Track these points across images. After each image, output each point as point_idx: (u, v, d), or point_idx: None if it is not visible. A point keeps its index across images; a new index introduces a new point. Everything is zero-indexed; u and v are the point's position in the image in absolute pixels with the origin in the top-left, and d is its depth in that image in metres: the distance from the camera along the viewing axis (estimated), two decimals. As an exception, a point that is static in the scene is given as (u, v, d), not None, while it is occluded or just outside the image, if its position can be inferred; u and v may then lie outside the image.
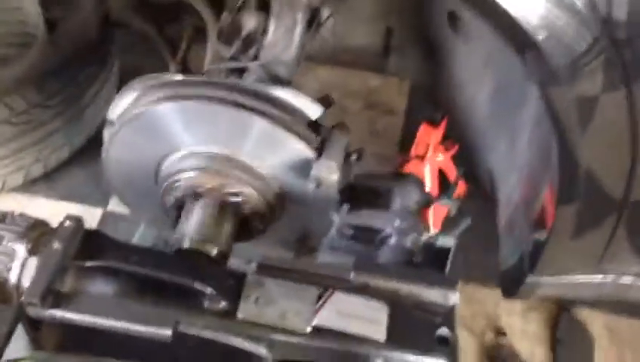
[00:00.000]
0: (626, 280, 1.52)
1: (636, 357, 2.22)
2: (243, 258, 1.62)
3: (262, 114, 1.47)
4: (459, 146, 1.88)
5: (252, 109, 1.47)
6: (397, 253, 1.55)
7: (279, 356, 1.27)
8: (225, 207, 1.57)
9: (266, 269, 1.43)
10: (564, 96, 1.28)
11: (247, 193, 1.57)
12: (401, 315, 1.34)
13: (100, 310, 1.23)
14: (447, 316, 1.40)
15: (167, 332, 1.21)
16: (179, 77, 1.51)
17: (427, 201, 1.71)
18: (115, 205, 2.57)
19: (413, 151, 2.43)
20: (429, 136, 2.38)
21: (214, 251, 1.51)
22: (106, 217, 2.48)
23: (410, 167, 2.54)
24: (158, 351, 1.27)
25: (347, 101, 3.24)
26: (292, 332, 1.29)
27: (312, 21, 1.63)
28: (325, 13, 1.73)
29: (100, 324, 1.23)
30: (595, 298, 1.63)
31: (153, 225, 2.09)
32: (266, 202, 1.60)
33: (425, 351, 1.30)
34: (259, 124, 1.48)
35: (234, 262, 1.56)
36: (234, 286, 1.30)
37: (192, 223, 1.53)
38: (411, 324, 1.34)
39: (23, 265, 1.26)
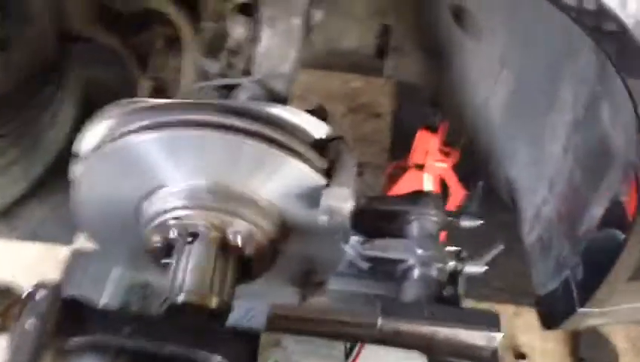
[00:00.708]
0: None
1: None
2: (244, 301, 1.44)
3: (261, 137, 1.27)
4: (469, 153, 1.73)
5: (249, 132, 1.27)
6: (423, 286, 1.38)
7: None
8: (223, 249, 1.37)
9: (279, 321, 1.25)
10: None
11: (248, 230, 1.37)
12: (440, 366, 1.18)
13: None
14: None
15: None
16: (160, 101, 1.31)
17: (449, 223, 1.55)
18: (82, 242, 2.36)
19: (410, 160, 2.29)
20: (427, 143, 2.25)
21: (214, 302, 1.31)
22: (73, 257, 2.29)
23: (408, 177, 2.40)
24: None
25: (328, 105, 3.08)
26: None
27: (306, 25, 1.44)
28: (317, 15, 1.55)
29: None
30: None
31: (130, 267, 1.89)
32: (269, 238, 1.41)
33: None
34: (258, 149, 1.28)
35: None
36: (247, 350, 1.11)
37: (187, 271, 1.33)
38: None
39: (-12, 346, 1.05)
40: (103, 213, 1.48)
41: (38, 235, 2.26)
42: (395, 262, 1.44)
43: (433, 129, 2.14)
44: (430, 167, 2.20)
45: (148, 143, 1.31)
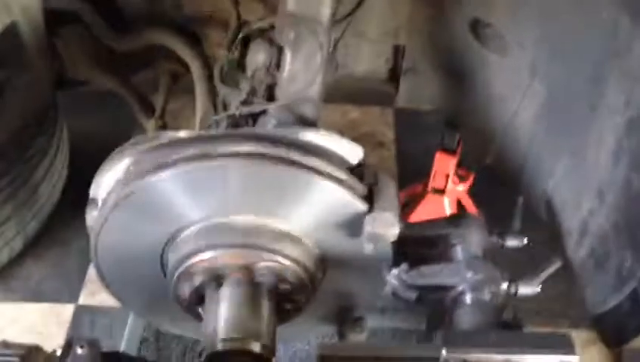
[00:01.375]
0: None
1: None
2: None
3: (296, 165, 1.20)
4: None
5: (283, 160, 1.19)
6: (479, 312, 1.29)
7: None
8: (258, 289, 1.27)
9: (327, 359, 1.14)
10: None
11: (283, 266, 1.28)
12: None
13: None
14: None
15: None
16: (179, 134, 1.22)
17: (493, 243, 1.46)
18: (87, 297, 2.23)
19: (431, 184, 2.22)
20: (447, 166, 2.18)
21: (257, 348, 1.20)
22: (79, 314, 2.15)
23: (427, 203, 2.33)
24: None
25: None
26: None
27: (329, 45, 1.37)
28: (333, 35, 1.49)
29: None
30: None
31: (142, 315, 1.77)
32: (306, 273, 1.31)
33: None
34: (294, 178, 1.20)
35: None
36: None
37: (222, 317, 1.23)
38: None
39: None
40: (125, 262, 1.38)
41: (38, 295, 2.12)
42: (445, 289, 1.35)
43: (451, 151, 2.07)
44: (451, 191, 2.13)
45: (165, 182, 1.22)
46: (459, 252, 1.44)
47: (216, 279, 1.28)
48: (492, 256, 1.46)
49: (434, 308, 2.13)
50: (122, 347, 1.88)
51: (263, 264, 1.27)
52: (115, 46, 1.76)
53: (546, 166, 1.56)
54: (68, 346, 0.94)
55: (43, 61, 1.70)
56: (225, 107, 1.39)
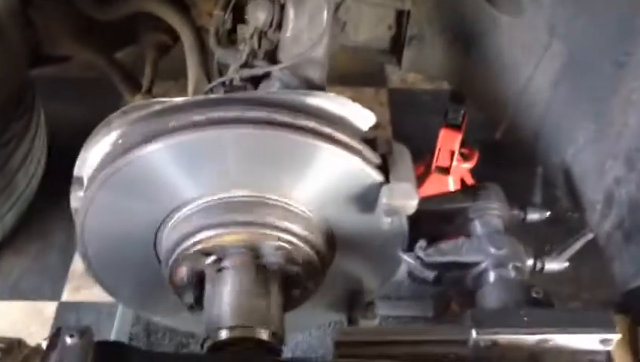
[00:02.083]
0: None
1: None
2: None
3: (305, 131, 1.09)
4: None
5: (290, 127, 1.09)
6: (505, 290, 1.20)
7: None
8: (266, 271, 1.17)
9: (351, 348, 1.04)
10: None
11: (292, 246, 1.17)
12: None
13: None
14: (609, 368, 1.06)
15: None
16: (177, 99, 1.11)
17: (514, 217, 1.37)
18: (71, 293, 2.11)
19: (435, 162, 2.13)
20: (452, 142, 2.09)
21: (266, 335, 1.10)
22: (62, 311, 2.04)
23: (431, 182, 2.23)
24: None
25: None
26: None
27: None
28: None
29: None
30: None
31: (134, 307, 1.65)
32: (316, 254, 1.21)
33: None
34: (303, 146, 1.10)
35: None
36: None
37: (226, 303, 1.12)
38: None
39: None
40: (114, 247, 1.26)
41: (18, 292, 2.00)
42: (465, 267, 1.26)
43: (456, 126, 1.98)
44: (456, 168, 2.04)
45: (157, 155, 1.10)
46: (478, 227, 1.34)
47: (219, 261, 1.17)
48: (513, 230, 1.38)
49: (440, 294, 2.05)
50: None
51: (270, 243, 1.16)
52: (97, 15, 1.63)
53: (565, 133, 1.47)
54: (55, 336, 0.83)
55: (17, 33, 1.56)
56: (220, 73, 1.28)
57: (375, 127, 1.22)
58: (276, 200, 1.17)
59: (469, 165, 2.09)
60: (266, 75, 1.23)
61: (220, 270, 1.17)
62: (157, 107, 1.12)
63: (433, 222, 1.37)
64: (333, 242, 1.25)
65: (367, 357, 1.00)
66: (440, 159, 2.04)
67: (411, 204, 1.14)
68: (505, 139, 1.68)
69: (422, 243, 1.24)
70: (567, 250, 1.27)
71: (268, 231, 1.16)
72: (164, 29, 1.66)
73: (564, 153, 1.50)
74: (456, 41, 1.66)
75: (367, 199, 1.17)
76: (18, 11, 1.55)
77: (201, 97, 1.11)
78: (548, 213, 1.40)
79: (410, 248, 1.30)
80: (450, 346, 1.06)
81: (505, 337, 1.04)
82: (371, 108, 1.21)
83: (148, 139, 1.10)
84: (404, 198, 1.13)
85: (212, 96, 1.13)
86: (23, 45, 1.62)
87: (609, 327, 1.04)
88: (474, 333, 1.03)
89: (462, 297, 1.64)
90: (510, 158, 1.93)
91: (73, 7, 1.61)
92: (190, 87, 1.38)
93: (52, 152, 2.30)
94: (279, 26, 1.26)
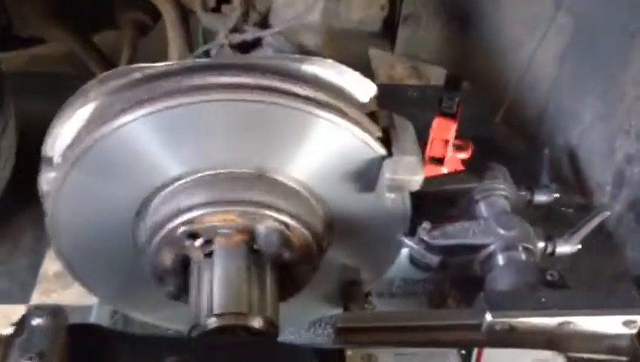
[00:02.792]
0: None
1: None
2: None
3: (301, 100, 1.00)
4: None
5: (285, 94, 1.00)
6: (515, 274, 1.12)
7: None
8: (259, 255, 1.08)
9: (355, 334, 0.95)
10: None
11: (287, 227, 1.08)
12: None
13: None
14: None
15: None
16: (160, 65, 1.01)
17: (521, 198, 1.30)
18: (41, 296, 1.99)
19: (429, 152, 2.04)
20: (446, 131, 2.01)
21: (260, 323, 1.01)
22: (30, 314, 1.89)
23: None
24: None
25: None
26: None
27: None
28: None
29: None
30: None
31: (112, 302, 1.54)
32: (313, 237, 1.12)
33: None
34: (299, 117, 1.01)
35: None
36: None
37: (216, 289, 1.03)
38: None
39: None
40: (90, 235, 1.16)
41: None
42: (472, 250, 1.18)
43: (451, 115, 1.91)
44: (450, 159, 1.96)
45: (135, 127, 1.01)
46: (483, 209, 1.27)
47: (207, 244, 1.07)
48: (520, 213, 1.31)
49: (435, 290, 1.96)
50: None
51: (264, 224, 1.07)
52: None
53: (571, 113, 1.40)
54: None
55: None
56: (206, 42, 1.19)
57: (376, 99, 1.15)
58: (269, 176, 1.08)
59: (463, 155, 2.02)
60: (258, 42, 1.15)
61: (208, 254, 1.07)
62: (137, 74, 1.03)
63: (435, 204, 1.30)
64: (330, 224, 1.16)
65: (374, 344, 0.91)
66: (433, 149, 1.96)
67: (416, 179, 1.06)
68: (505, 123, 1.62)
69: (426, 225, 1.16)
70: (580, 230, 1.20)
71: (262, 211, 1.07)
72: (143, 7, 1.56)
73: (570, 134, 1.43)
74: (452, 20, 1.60)
75: (367, 175, 1.09)
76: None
77: (187, 62, 1.02)
78: (556, 195, 1.33)
79: (411, 232, 1.23)
80: (463, 331, 0.98)
81: (522, 320, 0.96)
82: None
83: (126, 110, 1.01)
84: (408, 173, 1.05)
85: (199, 60, 1.04)
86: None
87: (633, 306, 0.97)
88: (489, 316, 0.95)
89: (459, 292, 1.57)
90: (503, 153, 1.86)
91: (44, -17, 1.51)
92: (171, 54, 1.29)
93: (22, 152, 2.20)
94: (271, -11, 1.18)
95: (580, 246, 1.21)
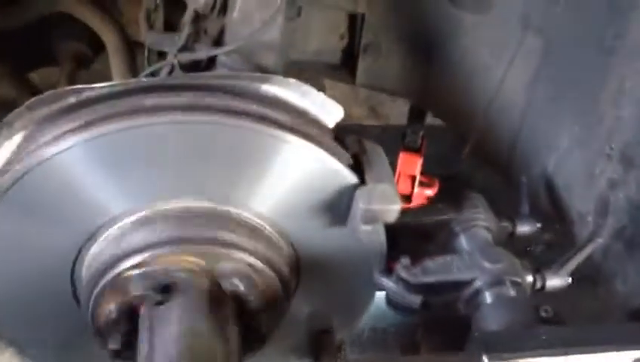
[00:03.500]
0: None
1: None
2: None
3: (266, 122, 0.89)
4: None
5: (244, 115, 0.88)
6: (506, 312, 1.01)
7: None
8: (220, 302, 0.94)
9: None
10: None
11: (252, 269, 0.95)
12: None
13: None
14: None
15: None
16: (99, 86, 0.89)
17: (502, 229, 1.20)
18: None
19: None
20: (412, 167, 1.93)
21: (222, 384, 0.86)
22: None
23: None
24: None
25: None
26: None
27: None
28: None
29: None
30: None
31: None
32: (279, 278, 0.99)
33: None
34: (260, 141, 0.89)
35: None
36: None
37: (169, 343, 0.88)
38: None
39: None
40: (20, 288, 1.00)
41: None
42: (457, 288, 1.07)
43: (415, 149, 1.83)
44: (418, 196, 1.87)
45: (70, 156, 0.88)
46: (464, 242, 1.16)
47: (158, 290, 0.93)
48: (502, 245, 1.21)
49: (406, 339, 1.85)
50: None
51: (225, 266, 0.94)
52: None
53: (546, 139, 1.33)
54: None
55: None
56: (149, 62, 1.08)
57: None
58: (229, 210, 0.95)
59: (430, 193, 1.94)
60: (211, 62, 1.04)
61: (160, 302, 0.93)
62: (72, 99, 0.90)
63: (411, 239, 1.19)
64: (296, 264, 1.04)
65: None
66: (400, 186, 1.87)
67: (393, 209, 0.95)
68: (474, 154, 1.54)
69: (405, 260, 1.05)
70: (570, 261, 1.10)
71: (223, 251, 0.93)
72: (83, 37, 1.44)
73: (546, 162, 1.36)
74: (415, 47, 1.52)
75: (338, 207, 0.97)
76: None
77: (130, 82, 0.90)
78: (538, 225, 1.24)
79: (386, 271, 1.11)
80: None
81: (523, 362, 0.85)
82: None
83: (57, 137, 0.88)
84: (384, 202, 0.94)
85: (144, 80, 0.92)
86: None
87: (644, 343, 0.88)
88: (486, 360, 0.84)
89: (433, 339, 1.45)
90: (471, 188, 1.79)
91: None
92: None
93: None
94: (224, 9, 1.07)
95: (570, 280, 1.12)
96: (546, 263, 1.18)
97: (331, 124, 1.00)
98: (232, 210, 0.95)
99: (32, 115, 0.91)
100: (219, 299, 0.92)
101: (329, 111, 0.99)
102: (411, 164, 1.85)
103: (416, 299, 1.06)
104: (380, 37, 1.53)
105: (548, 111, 1.32)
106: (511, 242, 1.27)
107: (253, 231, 0.96)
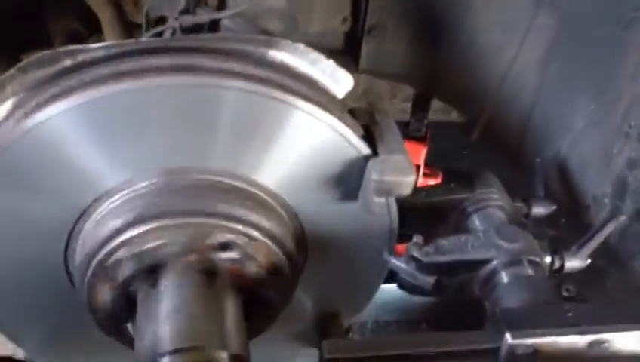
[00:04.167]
0: None
1: None
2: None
3: (270, 86, 0.84)
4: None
5: (248, 79, 0.83)
6: (527, 291, 0.95)
7: None
8: (218, 276, 0.87)
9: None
10: None
11: (248, 239, 0.89)
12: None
13: None
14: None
15: None
16: (94, 47, 0.83)
17: (517, 210, 1.15)
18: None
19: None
20: (417, 156, 1.88)
21: (224, 359, 0.80)
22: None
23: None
24: None
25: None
26: None
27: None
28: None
29: None
30: None
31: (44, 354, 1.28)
32: (284, 253, 0.93)
33: None
34: (266, 107, 0.84)
35: None
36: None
37: (167, 321, 0.82)
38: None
39: None
40: (10, 268, 0.94)
41: None
42: (472, 268, 1.01)
43: (420, 138, 1.78)
44: (422, 186, 1.82)
45: (58, 122, 0.82)
46: (477, 222, 1.12)
47: (153, 269, 0.87)
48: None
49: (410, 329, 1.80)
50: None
51: (220, 239, 0.88)
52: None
53: (560, 120, 1.29)
54: None
55: None
56: (148, 27, 1.02)
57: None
58: (228, 182, 0.89)
59: (433, 183, 1.89)
60: (214, 26, 0.99)
61: (154, 282, 0.87)
62: (67, 61, 0.85)
63: (421, 220, 1.14)
64: (303, 242, 0.98)
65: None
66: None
67: (408, 181, 0.90)
68: (483, 139, 1.49)
69: (418, 239, 1.00)
70: (589, 242, 1.06)
71: (216, 222, 0.87)
72: (77, 15, 1.39)
73: (559, 144, 1.31)
74: (422, 29, 1.48)
75: (348, 180, 0.92)
76: None
77: (129, 42, 0.84)
78: (554, 207, 1.20)
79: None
80: (476, 359, 0.81)
81: (548, 340, 0.80)
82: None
83: (47, 102, 0.82)
84: (398, 173, 0.89)
85: (143, 40, 0.87)
86: None
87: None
88: (509, 338, 0.79)
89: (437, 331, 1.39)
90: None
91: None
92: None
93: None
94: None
95: (589, 261, 1.07)
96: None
97: (341, 95, 0.96)
98: (230, 181, 0.89)
99: (25, 79, 0.86)
100: (212, 275, 0.87)
101: (339, 80, 0.94)
102: (415, 153, 1.81)
103: (429, 280, 1.01)
104: (385, 19, 1.49)
105: (562, 91, 1.28)
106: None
107: (256, 203, 0.91)
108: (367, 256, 1.02)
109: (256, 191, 0.91)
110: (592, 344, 0.80)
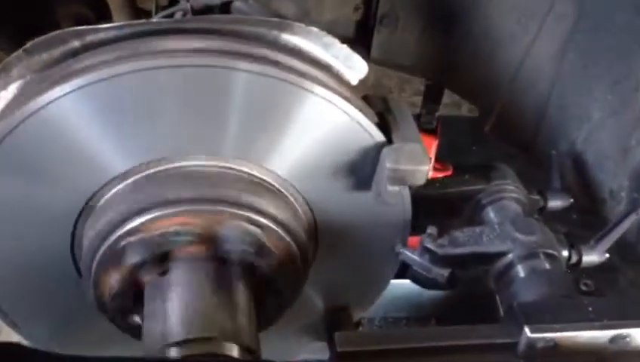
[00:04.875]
0: None
1: None
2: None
3: (283, 70, 0.82)
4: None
5: (260, 62, 0.81)
6: (544, 285, 0.93)
7: None
8: (228, 265, 0.86)
9: (353, 360, 0.74)
10: None
11: (260, 228, 0.87)
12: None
13: None
14: None
15: None
16: (104, 27, 0.81)
17: (534, 202, 1.13)
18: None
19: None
20: (427, 149, 1.86)
21: (235, 350, 0.78)
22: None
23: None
24: None
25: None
26: None
27: None
28: None
29: None
30: None
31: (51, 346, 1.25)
32: (295, 242, 0.91)
33: None
34: (278, 91, 0.82)
35: None
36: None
37: (176, 311, 0.80)
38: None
39: None
40: (16, 258, 0.92)
41: None
42: (487, 261, 0.99)
43: (431, 131, 1.76)
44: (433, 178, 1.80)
45: (64, 105, 0.79)
46: (492, 215, 1.09)
47: (162, 258, 0.85)
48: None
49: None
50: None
51: (231, 226, 0.86)
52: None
53: (576, 112, 1.26)
54: None
55: None
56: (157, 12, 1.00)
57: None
58: (238, 169, 0.88)
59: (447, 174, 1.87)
60: (225, 8, 0.97)
61: (164, 270, 0.85)
62: (75, 43, 0.83)
63: (436, 212, 1.12)
64: (314, 232, 0.96)
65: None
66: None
67: (422, 170, 0.87)
68: (496, 132, 1.46)
69: (432, 230, 0.97)
70: (608, 236, 1.03)
71: (227, 209, 0.85)
72: (85, 0, 1.37)
73: (575, 137, 1.28)
74: (435, 18, 1.45)
75: (361, 168, 0.90)
76: None
77: (140, 22, 0.82)
78: (571, 200, 1.17)
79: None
80: (493, 353, 0.78)
81: (568, 335, 0.77)
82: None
83: (53, 83, 0.80)
84: (413, 162, 0.87)
85: (154, 21, 0.85)
86: None
87: None
88: (527, 331, 0.77)
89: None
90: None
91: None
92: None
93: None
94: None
95: (607, 256, 1.05)
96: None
97: (354, 81, 0.93)
98: (241, 168, 0.87)
99: (31, 61, 0.84)
100: (223, 263, 0.85)
101: (353, 65, 0.92)
102: (427, 145, 1.78)
103: (443, 273, 0.98)
104: (397, 8, 1.46)
105: (578, 81, 1.25)
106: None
107: (268, 191, 0.89)
108: (379, 247, 0.99)
109: (268, 179, 0.89)
110: (613, 339, 0.77)
